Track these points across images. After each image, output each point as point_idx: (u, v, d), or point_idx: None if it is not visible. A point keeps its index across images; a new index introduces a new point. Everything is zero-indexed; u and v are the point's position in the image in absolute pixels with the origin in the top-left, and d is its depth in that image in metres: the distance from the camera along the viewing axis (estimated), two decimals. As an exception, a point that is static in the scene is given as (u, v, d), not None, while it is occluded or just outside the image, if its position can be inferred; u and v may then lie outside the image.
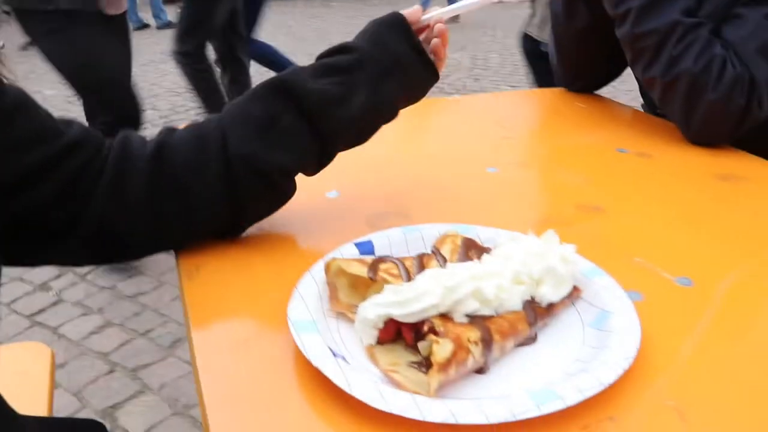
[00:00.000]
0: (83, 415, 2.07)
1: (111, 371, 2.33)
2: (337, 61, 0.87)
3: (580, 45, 1.51)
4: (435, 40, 0.93)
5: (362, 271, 0.69)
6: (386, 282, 0.66)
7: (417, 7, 0.94)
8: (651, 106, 1.52)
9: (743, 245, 0.90)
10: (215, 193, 0.80)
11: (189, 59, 3.85)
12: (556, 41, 1.56)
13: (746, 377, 0.64)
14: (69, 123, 0.79)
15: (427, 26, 0.95)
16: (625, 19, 1.23)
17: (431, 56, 0.92)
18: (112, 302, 2.76)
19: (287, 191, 0.86)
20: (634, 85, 1.46)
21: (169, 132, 0.83)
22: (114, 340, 2.50)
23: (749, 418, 0.59)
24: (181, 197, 0.79)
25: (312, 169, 0.88)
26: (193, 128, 0.84)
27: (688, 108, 1.21)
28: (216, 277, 0.79)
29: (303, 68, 0.87)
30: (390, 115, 0.91)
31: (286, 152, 0.83)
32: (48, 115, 0.76)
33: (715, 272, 0.84)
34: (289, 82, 0.84)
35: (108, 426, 2.00)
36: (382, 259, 0.71)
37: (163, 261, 3.00)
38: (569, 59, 1.56)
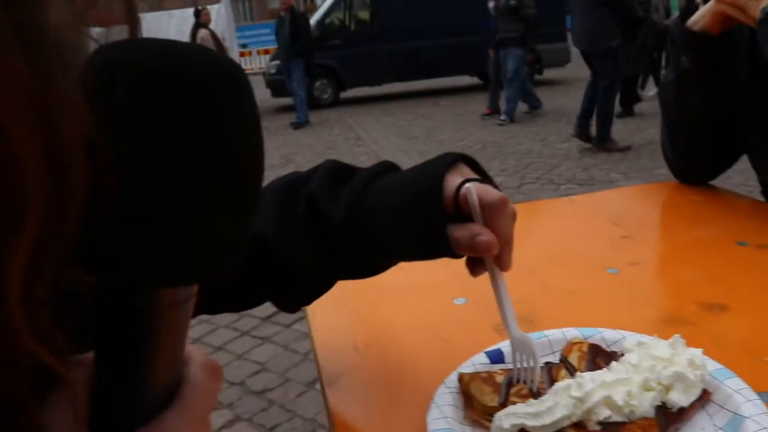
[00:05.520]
0: None
1: (244, 465, 2.40)
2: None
3: (692, 132, 1.50)
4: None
5: (494, 400, 0.73)
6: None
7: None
8: (770, 195, 1.51)
9: None
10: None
11: None
12: (669, 129, 1.57)
13: None
14: None
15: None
16: None
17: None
18: (242, 397, 2.86)
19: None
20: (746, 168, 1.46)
21: None
22: (243, 435, 2.58)
23: None
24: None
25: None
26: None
27: None
28: (356, 386, 0.85)
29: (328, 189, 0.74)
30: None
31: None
32: None
33: None
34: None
35: None
36: (512, 383, 0.75)
37: (287, 357, 3.10)
38: (682, 149, 1.56)
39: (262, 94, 15.13)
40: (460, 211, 0.68)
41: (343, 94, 14.16)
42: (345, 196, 0.72)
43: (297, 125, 11.00)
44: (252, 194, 0.35)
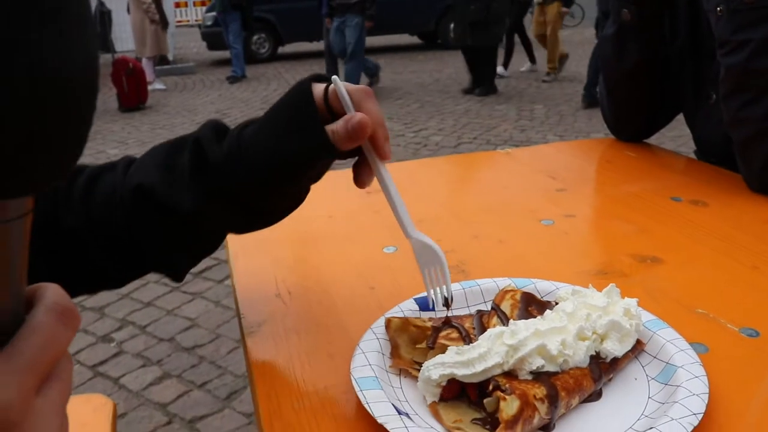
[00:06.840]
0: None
1: (169, 422, 2.36)
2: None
3: (629, 87, 1.51)
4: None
5: (421, 342, 0.70)
6: (447, 346, 0.67)
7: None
8: (704, 155, 1.51)
9: (808, 294, 0.88)
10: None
11: None
12: (606, 83, 1.57)
13: (820, 432, 0.63)
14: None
15: None
16: (741, 49, 1.16)
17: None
18: (171, 354, 2.81)
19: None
20: (683, 131, 1.45)
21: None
22: (172, 391, 2.54)
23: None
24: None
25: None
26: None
27: None
28: (278, 334, 0.81)
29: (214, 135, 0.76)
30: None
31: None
32: None
33: (781, 323, 0.82)
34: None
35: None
36: (440, 326, 0.72)
37: (218, 313, 3.05)
38: (619, 103, 1.56)
39: (198, 47, 14.79)
40: (332, 113, 0.72)
41: (281, 49, 13.93)
42: (226, 139, 0.75)
43: (233, 79, 10.81)
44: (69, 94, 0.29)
